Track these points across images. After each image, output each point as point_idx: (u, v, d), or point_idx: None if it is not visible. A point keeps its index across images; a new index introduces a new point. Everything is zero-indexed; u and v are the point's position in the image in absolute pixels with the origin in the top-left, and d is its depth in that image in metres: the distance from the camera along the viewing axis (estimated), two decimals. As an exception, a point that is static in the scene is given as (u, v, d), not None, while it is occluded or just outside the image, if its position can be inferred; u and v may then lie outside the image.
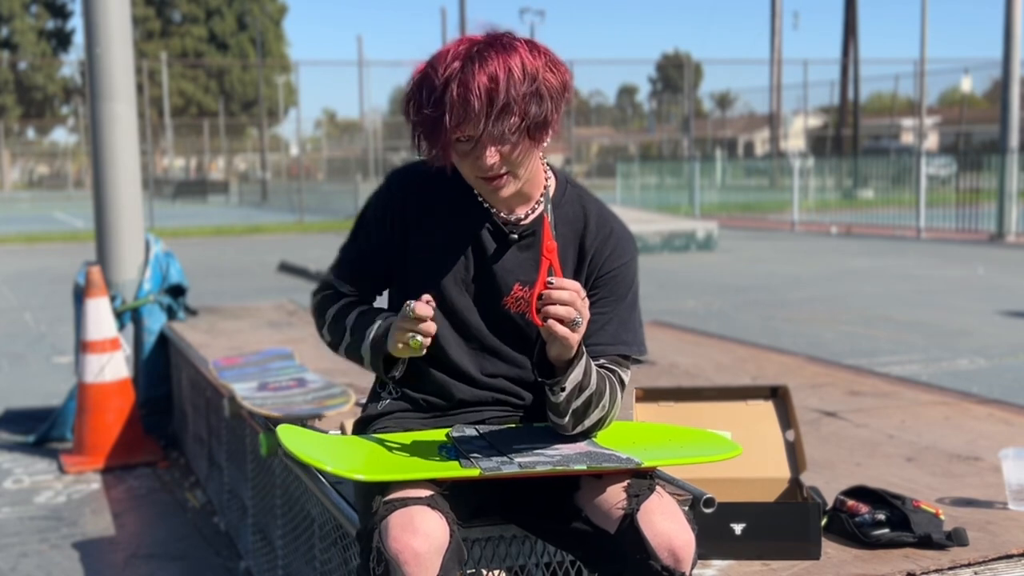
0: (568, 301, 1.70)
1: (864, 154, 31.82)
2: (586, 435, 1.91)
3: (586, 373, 1.81)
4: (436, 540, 1.66)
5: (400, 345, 1.83)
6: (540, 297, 1.71)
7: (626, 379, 1.95)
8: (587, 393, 1.83)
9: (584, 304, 1.73)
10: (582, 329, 1.73)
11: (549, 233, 1.75)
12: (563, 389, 1.81)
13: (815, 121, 47.97)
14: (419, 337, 1.80)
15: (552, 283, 1.71)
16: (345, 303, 2.04)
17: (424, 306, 1.79)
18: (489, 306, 1.96)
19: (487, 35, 1.82)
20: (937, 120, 48.56)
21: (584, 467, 1.73)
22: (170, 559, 3.59)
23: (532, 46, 1.80)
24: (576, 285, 1.73)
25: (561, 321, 1.69)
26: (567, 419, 1.86)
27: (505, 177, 1.84)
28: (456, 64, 1.76)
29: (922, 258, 14.18)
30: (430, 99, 1.78)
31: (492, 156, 1.80)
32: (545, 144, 1.86)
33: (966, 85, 39.72)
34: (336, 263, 2.09)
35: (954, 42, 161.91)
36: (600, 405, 1.87)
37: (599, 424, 1.91)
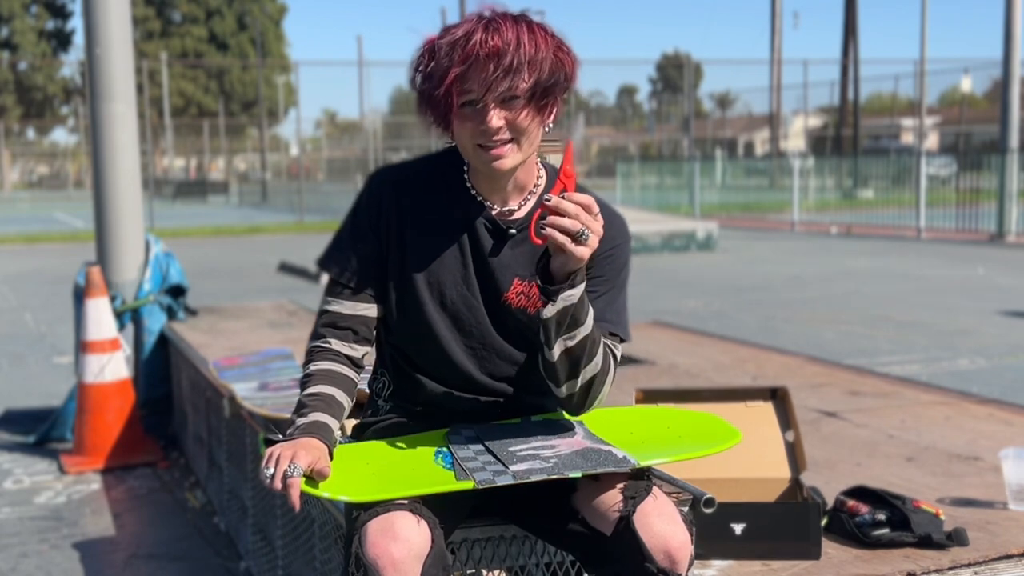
0: (573, 213, 1.66)
1: (864, 154, 31.80)
2: (582, 404, 1.85)
3: (583, 303, 1.74)
4: (416, 546, 1.64)
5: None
6: (543, 216, 1.67)
7: (618, 354, 1.90)
8: (582, 334, 1.76)
9: (594, 220, 1.68)
10: (591, 243, 1.68)
11: (571, 158, 1.71)
12: (554, 302, 1.72)
13: (815, 121, 47.96)
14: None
15: (562, 196, 1.67)
16: (314, 370, 1.88)
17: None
18: (489, 303, 1.93)
19: (502, 8, 1.81)
20: (937, 120, 48.57)
21: (579, 473, 1.72)
22: (170, 559, 3.59)
23: (544, 30, 1.80)
24: (587, 200, 1.68)
25: (566, 233, 1.65)
26: (558, 355, 1.76)
27: (508, 145, 1.80)
28: (467, 25, 1.76)
29: (922, 258, 14.17)
30: (437, 58, 1.77)
31: (497, 119, 1.77)
32: (549, 122, 1.83)
33: (966, 85, 39.74)
34: (331, 283, 1.96)
35: (954, 42, 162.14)
36: (594, 361, 1.80)
37: (592, 387, 1.83)
